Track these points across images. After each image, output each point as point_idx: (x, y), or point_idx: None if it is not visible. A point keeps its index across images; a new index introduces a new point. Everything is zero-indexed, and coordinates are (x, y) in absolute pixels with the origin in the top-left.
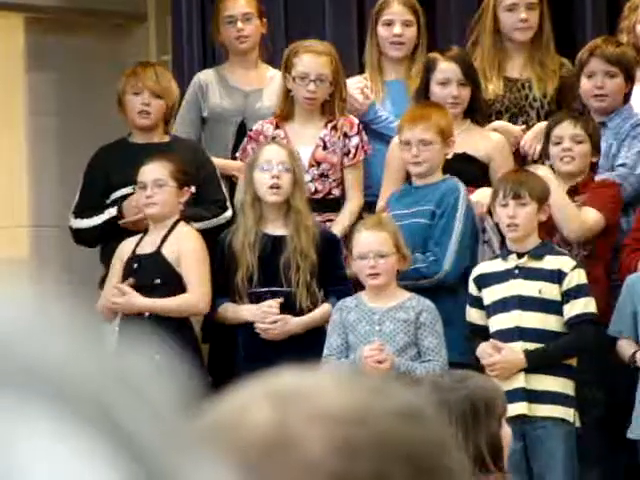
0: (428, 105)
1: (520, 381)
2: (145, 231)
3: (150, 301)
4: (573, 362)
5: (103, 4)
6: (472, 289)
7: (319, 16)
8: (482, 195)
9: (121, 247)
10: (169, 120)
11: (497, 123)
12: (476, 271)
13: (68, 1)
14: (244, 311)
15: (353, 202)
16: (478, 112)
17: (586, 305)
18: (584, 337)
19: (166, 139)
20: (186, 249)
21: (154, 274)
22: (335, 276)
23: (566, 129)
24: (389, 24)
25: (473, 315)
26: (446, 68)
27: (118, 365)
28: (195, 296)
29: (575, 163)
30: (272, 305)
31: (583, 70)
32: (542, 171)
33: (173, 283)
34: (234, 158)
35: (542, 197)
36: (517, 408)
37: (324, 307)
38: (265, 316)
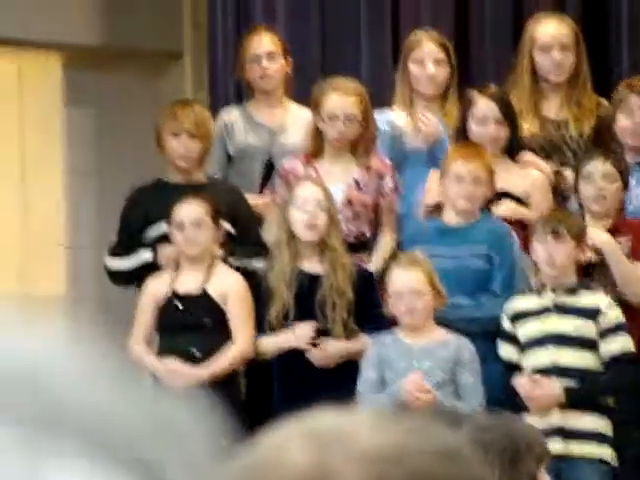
0: (476, 145)
1: (556, 419)
2: (178, 268)
3: (206, 371)
4: (611, 401)
5: (140, 42)
6: (506, 325)
7: (353, 53)
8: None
9: (150, 285)
10: (205, 160)
11: (528, 157)
12: (510, 307)
13: (105, 39)
14: (280, 338)
15: (388, 242)
16: (516, 150)
17: (624, 344)
18: (623, 377)
19: (203, 180)
20: (233, 291)
21: (202, 314)
22: (372, 314)
23: (597, 167)
24: (420, 62)
25: (507, 351)
26: (484, 106)
27: (154, 409)
28: (244, 343)
29: (606, 202)
30: (304, 328)
31: (620, 107)
32: (596, 234)
33: (222, 322)
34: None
35: (580, 235)
36: (553, 446)
37: (363, 338)
38: (302, 339)
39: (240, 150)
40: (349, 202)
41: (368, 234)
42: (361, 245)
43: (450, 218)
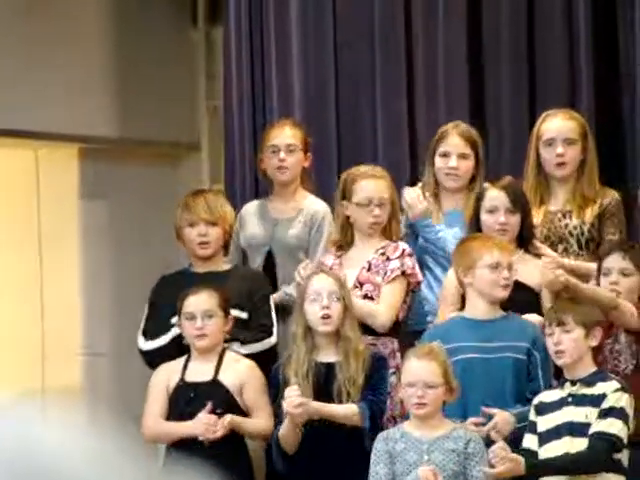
0: (491, 236)
1: None
2: (187, 357)
3: (239, 418)
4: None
5: (156, 134)
6: (532, 416)
7: (371, 142)
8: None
9: (160, 374)
10: (228, 245)
11: (539, 244)
12: (538, 398)
13: (121, 131)
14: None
15: (380, 315)
16: (529, 240)
17: (610, 425)
18: (595, 454)
19: (226, 267)
20: (249, 378)
21: (214, 403)
22: (374, 388)
23: (615, 262)
24: (445, 155)
25: (530, 441)
26: (494, 196)
27: None
28: (267, 423)
29: (622, 297)
30: (292, 390)
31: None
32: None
33: (234, 412)
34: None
35: (588, 323)
36: None
37: (349, 406)
38: (290, 401)
39: (247, 243)
40: (360, 283)
41: None
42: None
43: (477, 312)
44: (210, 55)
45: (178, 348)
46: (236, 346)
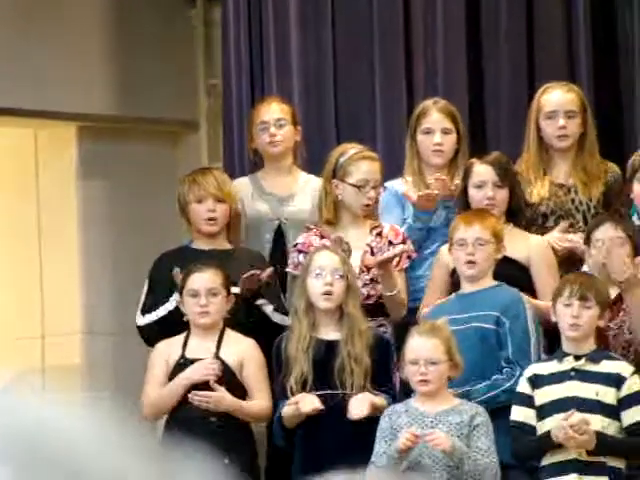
0: (481, 210)
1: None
2: (187, 334)
3: (237, 402)
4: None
5: (155, 112)
6: (524, 388)
7: (369, 118)
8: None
9: (161, 348)
10: (230, 225)
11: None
12: (530, 370)
13: (120, 110)
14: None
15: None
16: (518, 215)
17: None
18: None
19: (228, 246)
20: (250, 356)
21: (216, 380)
22: (386, 373)
23: (607, 232)
24: (428, 132)
25: (521, 414)
26: (481, 171)
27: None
28: (266, 404)
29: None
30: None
31: (635, 175)
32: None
33: (235, 389)
34: (272, 264)
35: (604, 303)
36: None
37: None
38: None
39: (250, 219)
40: (366, 267)
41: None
42: (380, 309)
43: (464, 287)
44: (209, 34)
45: (174, 323)
46: (269, 309)
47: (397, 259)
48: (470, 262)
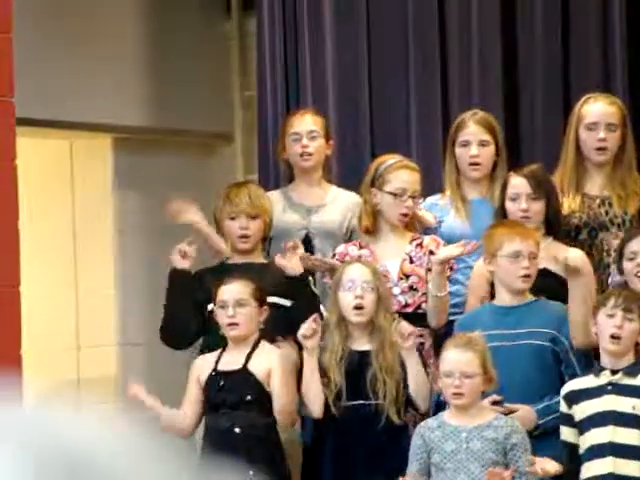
0: (516, 222)
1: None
2: (223, 349)
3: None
4: None
5: (190, 124)
6: (563, 407)
7: (404, 132)
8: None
9: (196, 365)
10: (267, 238)
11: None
12: (566, 388)
13: (155, 121)
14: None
15: None
16: (556, 227)
17: None
18: None
19: (263, 260)
20: (276, 366)
21: (244, 391)
22: None
23: None
24: (465, 145)
25: (566, 433)
26: (516, 183)
27: None
28: (290, 399)
29: None
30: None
31: None
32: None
33: (263, 400)
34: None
35: None
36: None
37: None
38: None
39: (278, 229)
40: (404, 275)
41: (425, 308)
42: (419, 318)
43: (503, 299)
44: (244, 45)
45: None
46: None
47: (448, 265)
48: (526, 276)
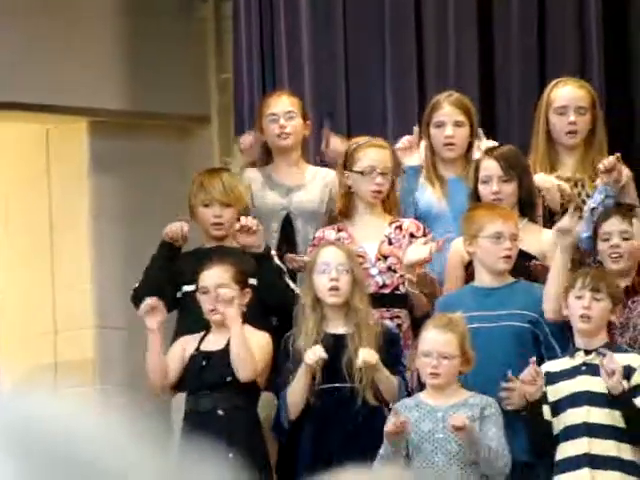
0: (496, 205)
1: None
2: (207, 330)
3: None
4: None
5: (166, 107)
6: None
7: (380, 113)
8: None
9: (178, 344)
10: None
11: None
12: (543, 369)
13: (131, 105)
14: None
15: None
16: (530, 208)
17: None
18: None
19: (236, 245)
20: (254, 341)
21: (225, 371)
22: (393, 364)
23: (614, 225)
24: (440, 125)
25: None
26: (487, 165)
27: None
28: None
29: (623, 260)
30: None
31: None
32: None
33: (244, 382)
34: (279, 255)
35: (616, 297)
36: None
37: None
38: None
39: (258, 209)
40: (383, 256)
41: (404, 290)
42: (397, 299)
43: (484, 280)
44: (220, 28)
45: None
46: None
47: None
48: (508, 257)
